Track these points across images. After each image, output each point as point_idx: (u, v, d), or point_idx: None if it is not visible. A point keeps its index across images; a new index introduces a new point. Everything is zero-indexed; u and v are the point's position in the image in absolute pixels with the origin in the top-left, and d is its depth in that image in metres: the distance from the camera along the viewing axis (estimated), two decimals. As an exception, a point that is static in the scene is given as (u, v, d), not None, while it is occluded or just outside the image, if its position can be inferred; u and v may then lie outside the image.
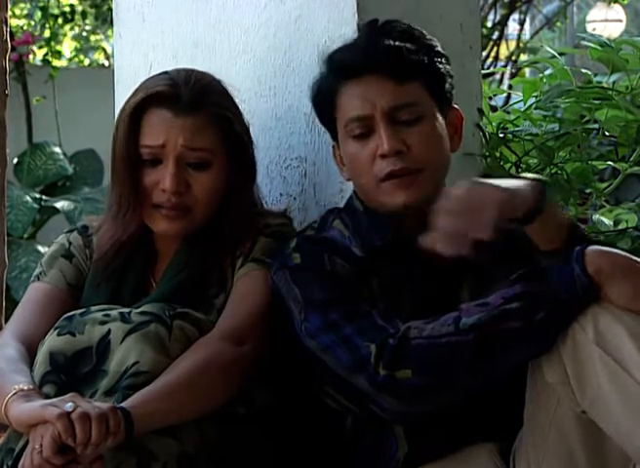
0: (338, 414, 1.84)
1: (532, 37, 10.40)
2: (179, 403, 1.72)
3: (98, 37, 9.96)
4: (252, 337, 1.84)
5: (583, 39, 2.54)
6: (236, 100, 2.01)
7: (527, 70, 7.41)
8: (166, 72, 1.98)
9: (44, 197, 6.24)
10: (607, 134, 2.43)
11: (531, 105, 2.47)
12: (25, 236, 6.06)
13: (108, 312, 1.82)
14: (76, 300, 1.99)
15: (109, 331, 1.78)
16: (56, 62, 8.10)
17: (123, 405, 1.66)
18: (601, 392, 1.57)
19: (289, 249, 1.85)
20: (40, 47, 8.01)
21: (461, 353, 1.63)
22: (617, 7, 10.55)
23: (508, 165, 2.44)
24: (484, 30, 7.70)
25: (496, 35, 8.19)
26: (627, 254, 1.64)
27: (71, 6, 8.35)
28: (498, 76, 8.52)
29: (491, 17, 8.37)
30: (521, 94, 2.53)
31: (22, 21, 8.59)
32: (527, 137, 2.42)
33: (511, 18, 8.81)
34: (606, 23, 10.62)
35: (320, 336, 1.74)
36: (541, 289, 1.62)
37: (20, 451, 1.70)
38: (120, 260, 1.98)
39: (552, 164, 2.38)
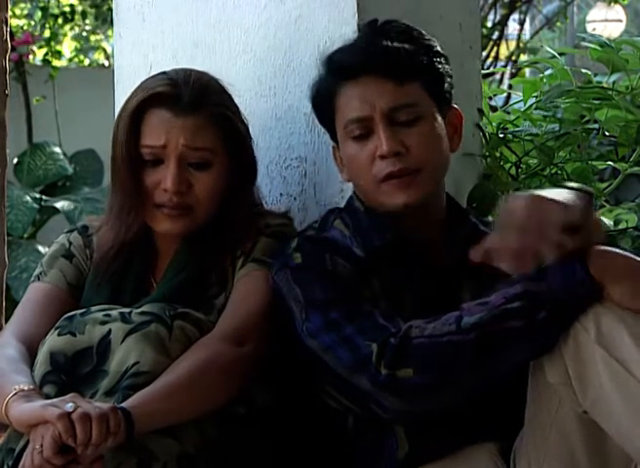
0: (338, 414, 1.84)
1: (532, 37, 10.41)
2: (179, 403, 1.72)
3: (98, 37, 9.96)
4: (252, 338, 1.84)
5: (583, 39, 2.54)
6: (235, 100, 2.01)
7: (527, 70, 7.41)
8: (164, 72, 1.98)
9: (44, 197, 6.24)
10: (607, 134, 2.43)
11: (531, 105, 2.47)
12: (25, 236, 6.06)
13: (109, 312, 1.82)
14: (76, 300, 1.99)
15: (110, 331, 1.78)
16: (56, 62, 8.10)
17: (123, 405, 1.66)
18: (603, 392, 1.57)
19: (290, 249, 1.85)
20: (40, 47, 8.01)
21: (463, 352, 1.63)
22: (617, 7, 10.56)
23: (508, 165, 2.44)
24: (484, 30, 7.70)
25: (496, 35, 8.20)
26: (629, 254, 1.64)
27: (71, 6, 8.35)
28: (498, 76, 8.53)
29: (491, 17, 8.37)
30: (521, 94, 2.53)
31: (22, 21, 8.59)
32: (527, 138, 2.42)
33: (511, 18, 8.81)
34: (606, 23, 10.63)
35: (321, 336, 1.74)
36: (543, 288, 1.61)
37: (20, 452, 1.70)
38: (121, 261, 1.98)
39: (552, 164, 2.38)
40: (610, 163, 2.42)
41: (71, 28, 9.30)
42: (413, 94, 1.85)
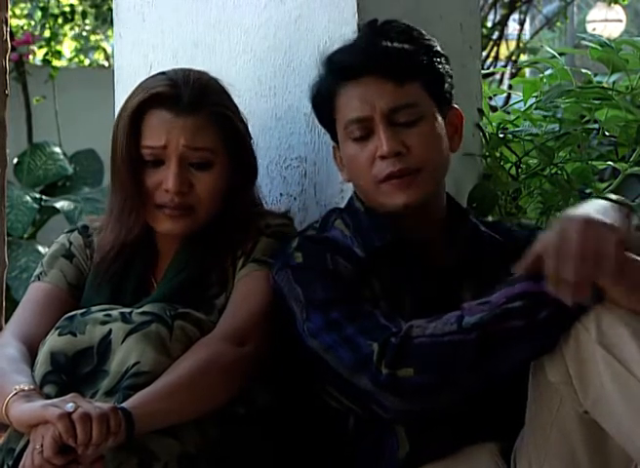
0: (339, 414, 1.84)
1: (532, 37, 10.40)
2: (179, 403, 1.72)
3: (98, 37, 9.96)
4: (253, 338, 1.84)
5: (583, 39, 2.54)
6: (235, 100, 2.01)
7: (527, 70, 7.41)
8: (164, 73, 1.98)
9: (44, 197, 6.24)
10: (607, 134, 2.43)
11: (531, 105, 2.47)
12: (25, 236, 6.06)
13: (109, 312, 1.82)
14: (77, 300, 1.99)
15: (110, 331, 1.78)
16: (56, 62, 8.10)
17: (124, 405, 1.66)
18: (603, 392, 1.57)
19: (291, 248, 1.86)
20: (40, 47, 8.00)
21: (463, 352, 1.63)
22: (617, 7, 10.56)
23: (508, 165, 2.44)
24: (484, 30, 7.70)
25: (496, 35, 8.20)
26: (630, 254, 1.64)
27: (71, 6, 8.35)
28: (498, 76, 8.52)
29: (491, 17, 8.37)
30: (521, 94, 2.53)
31: (22, 21, 8.59)
32: (527, 138, 2.42)
33: (511, 18, 8.81)
34: (606, 23, 10.63)
35: (322, 336, 1.74)
36: (544, 288, 1.61)
37: (20, 452, 1.70)
38: (121, 261, 1.98)
39: (552, 164, 2.38)
40: (610, 163, 2.42)
41: (71, 28, 9.30)
42: (413, 94, 1.85)
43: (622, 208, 1.65)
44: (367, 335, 1.70)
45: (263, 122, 2.25)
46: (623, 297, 1.59)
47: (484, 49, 7.70)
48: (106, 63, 9.91)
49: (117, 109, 2.04)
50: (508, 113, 2.56)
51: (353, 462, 1.83)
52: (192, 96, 1.92)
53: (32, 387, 1.73)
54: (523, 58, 8.81)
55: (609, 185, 2.43)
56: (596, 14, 11.08)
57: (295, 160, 2.22)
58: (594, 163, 2.43)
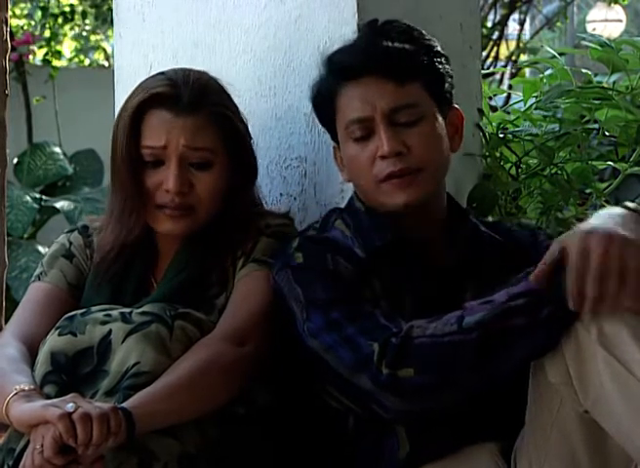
0: (339, 414, 1.84)
1: (532, 37, 10.40)
2: (180, 403, 1.72)
3: (98, 37, 9.96)
4: (253, 338, 1.84)
5: (583, 39, 2.54)
6: (235, 100, 2.01)
7: (527, 70, 7.41)
8: (163, 73, 1.98)
9: (44, 197, 6.24)
10: (607, 134, 2.43)
11: (531, 105, 2.47)
12: (25, 236, 6.06)
13: (109, 312, 1.82)
14: (77, 300, 1.99)
15: (110, 331, 1.78)
16: (56, 62, 8.09)
17: (124, 405, 1.66)
18: (604, 392, 1.57)
19: (291, 248, 1.86)
20: (40, 47, 8.00)
21: (464, 352, 1.63)
22: (617, 7, 10.56)
23: (508, 165, 2.44)
24: (484, 30, 7.70)
25: (496, 35, 8.20)
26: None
27: (71, 6, 8.35)
28: (498, 76, 8.52)
29: (491, 17, 8.37)
30: (521, 94, 2.53)
31: (22, 21, 8.58)
32: (527, 138, 2.42)
33: (511, 18, 8.81)
34: (606, 23, 10.63)
35: (322, 336, 1.74)
36: (547, 286, 1.61)
37: (20, 452, 1.70)
38: (121, 262, 1.98)
39: (552, 164, 2.38)
40: (610, 163, 2.42)
41: (71, 28, 9.29)
42: (414, 94, 1.85)
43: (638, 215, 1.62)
44: (367, 335, 1.70)
45: (263, 122, 2.25)
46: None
47: (484, 49, 7.70)
48: (106, 63, 9.91)
49: (117, 109, 2.04)
50: (508, 113, 2.56)
51: (353, 462, 1.83)
52: (192, 96, 1.92)
53: (32, 387, 1.73)
54: (523, 58, 8.81)
55: (609, 185, 2.43)
56: (596, 14, 11.08)
57: (295, 160, 2.22)
58: (594, 163, 2.43)
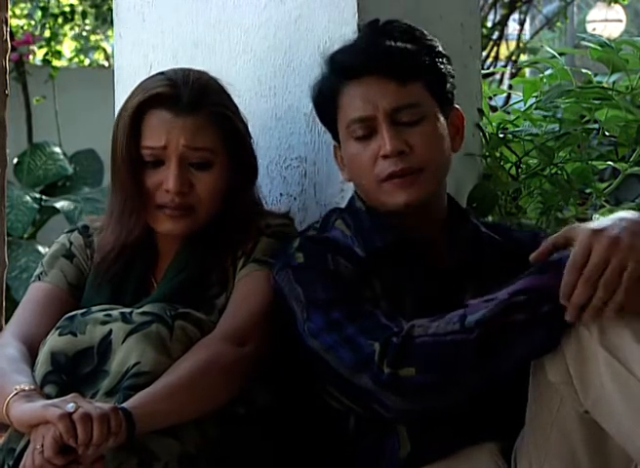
0: (340, 415, 1.84)
1: (532, 37, 10.40)
2: (180, 403, 1.72)
3: (98, 37, 9.96)
4: (253, 338, 1.84)
5: (583, 39, 2.54)
6: (235, 100, 2.01)
7: (527, 70, 7.41)
8: (162, 73, 1.98)
9: (44, 197, 6.24)
10: (607, 134, 2.43)
11: (531, 105, 2.47)
12: (25, 236, 6.06)
13: (110, 312, 1.82)
14: (77, 300, 1.99)
15: (111, 331, 1.78)
16: (56, 62, 8.10)
17: (124, 405, 1.66)
18: (604, 392, 1.57)
19: (292, 248, 1.86)
20: (40, 47, 8.00)
21: (466, 351, 1.62)
22: (617, 7, 10.57)
23: (508, 165, 2.44)
24: (484, 30, 7.70)
25: (496, 35, 8.20)
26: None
27: (71, 6, 8.35)
28: (498, 76, 8.53)
29: (491, 17, 8.37)
30: (521, 94, 2.53)
31: (22, 21, 8.58)
32: (527, 138, 2.42)
33: (511, 18, 8.81)
34: (606, 23, 10.63)
35: (323, 336, 1.74)
36: (549, 283, 1.61)
37: (21, 452, 1.70)
38: (122, 262, 1.98)
39: (552, 164, 2.38)
40: (610, 163, 2.42)
41: (71, 28, 9.30)
42: (415, 94, 1.85)
43: None
44: (368, 335, 1.70)
45: (263, 122, 2.25)
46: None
47: (484, 49, 7.71)
48: (106, 63, 9.90)
49: (117, 109, 2.04)
50: (508, 113, 2.56)
51: (354, 462, 1.83)
52: (192, 96, 1.92)
53: (33, 387, 1.73)
54: (523, 58, 8.82)
55: (609, 185, 2.43)
56: (596, 14, 11.08)
57: (295, 160, 2.22)
58: (594, 163, 2.43)
